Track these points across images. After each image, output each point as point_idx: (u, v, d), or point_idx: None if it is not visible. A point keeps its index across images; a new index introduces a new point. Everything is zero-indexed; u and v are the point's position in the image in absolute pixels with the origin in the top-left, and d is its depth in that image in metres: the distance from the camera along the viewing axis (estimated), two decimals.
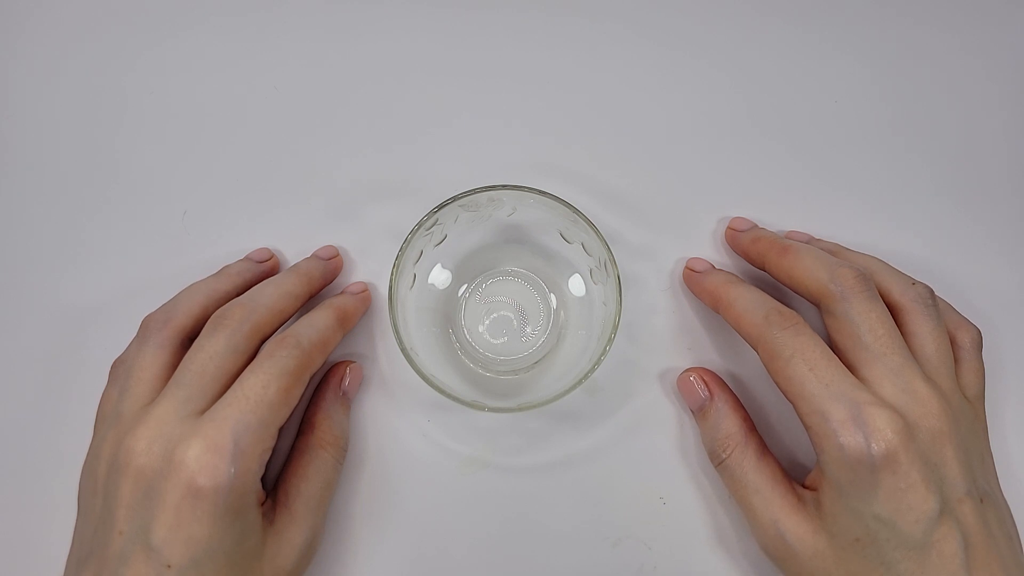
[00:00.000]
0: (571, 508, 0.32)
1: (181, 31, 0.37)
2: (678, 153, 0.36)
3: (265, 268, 0.33)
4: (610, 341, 0.28)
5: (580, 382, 0.28)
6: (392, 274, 0.29)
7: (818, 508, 0.27)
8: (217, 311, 0.28)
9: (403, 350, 0.28)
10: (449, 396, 0.28)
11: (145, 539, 0.24)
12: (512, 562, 0.31)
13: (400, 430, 0.32)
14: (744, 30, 0.37)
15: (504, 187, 0.29)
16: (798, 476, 0.29)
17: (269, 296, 0.29)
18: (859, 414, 0.25)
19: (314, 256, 0.33)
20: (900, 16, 0.38)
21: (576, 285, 0.33)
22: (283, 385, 0.26)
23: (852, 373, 0.27)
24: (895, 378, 0.26)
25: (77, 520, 0.27)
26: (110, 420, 0.27)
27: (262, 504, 0.27)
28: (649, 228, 0.35)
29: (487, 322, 0.33)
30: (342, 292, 0.33)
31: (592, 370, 0.28)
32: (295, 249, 0.34)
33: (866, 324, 0.27)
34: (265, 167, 0.35)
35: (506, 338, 0.33)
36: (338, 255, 0.33)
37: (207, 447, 0.24)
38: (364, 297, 0.33)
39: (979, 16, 0.38)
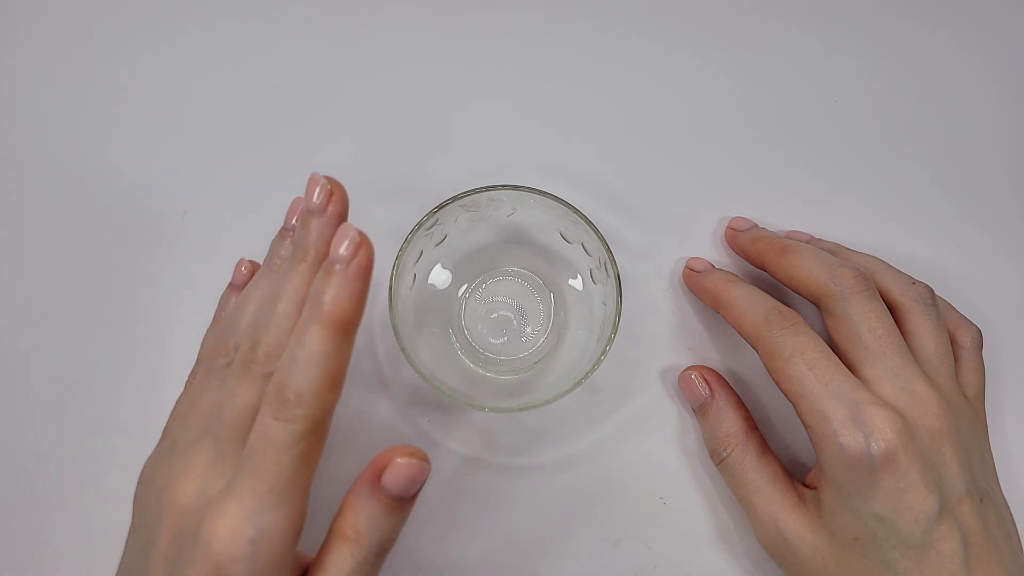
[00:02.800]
0: (571, 508, 0.32)
1: (181, 31, 0.37)
2: (678, 153, 0.36)
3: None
4: (610, 341, 0.28)
5: (580, 382, 0.28)
6: (392, 274, 0.29)
7: (818, 507, 0.27)
8: (244, 344, 0.26)
9: (403, 350, 0.28)
10: (449, 396, 0.28)
11: None
12: (512, 562, 0.31)
13: (400, 430, 0.32)
14: (744, 31, 0.37)
15: (504, 187, 0.29)
16: (798, 475, 0.29)
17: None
18: (859, 413, 0.25)
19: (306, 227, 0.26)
20: (900, 16, 0.37)
21: (576, 285, 0.33)
22: (298, 453, 0.23)
23: (852, 373, 0.27)
24: (895, 378, 0.26)
25: (131, 526, 0.26)
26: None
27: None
28: (649, 228, 0.35)
29: (487, 322, 0.33)
30: (325, 269, 0.23)
31: (592, 370, 0.28)
32: None
33: (866, 324, 0.27)
34: (265, 167, 0.35)
35: (506, 338, 0.33)
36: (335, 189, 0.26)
37: (231, 534, 0.22)
38: (357, 269, 0.22)
39: (979, 16, 0.38)
